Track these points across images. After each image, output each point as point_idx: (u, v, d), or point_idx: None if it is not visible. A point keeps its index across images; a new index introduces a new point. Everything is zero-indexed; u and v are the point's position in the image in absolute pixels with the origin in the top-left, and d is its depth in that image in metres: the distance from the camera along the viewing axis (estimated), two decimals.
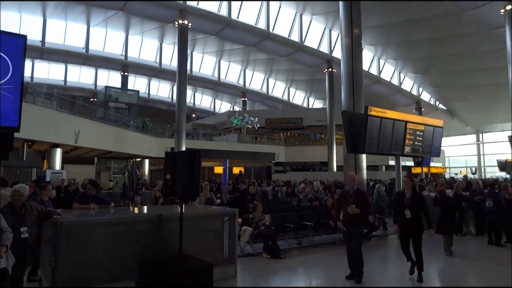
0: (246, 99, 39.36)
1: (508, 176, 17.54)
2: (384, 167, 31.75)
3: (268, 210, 9.37)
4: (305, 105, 43.10)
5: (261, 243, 7.51)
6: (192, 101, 41.99)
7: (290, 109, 38.83)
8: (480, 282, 6.07)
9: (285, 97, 41.44)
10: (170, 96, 39.01)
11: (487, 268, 6.83)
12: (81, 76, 33.51)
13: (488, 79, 27.18)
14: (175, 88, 25.15)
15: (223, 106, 46.05)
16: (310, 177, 23.16)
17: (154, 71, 32.67)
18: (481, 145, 41.57)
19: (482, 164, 40.79)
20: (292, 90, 41.36)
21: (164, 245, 5.15)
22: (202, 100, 44.35)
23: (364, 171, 12.40)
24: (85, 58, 28.47)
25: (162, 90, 39.30)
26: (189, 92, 35.30)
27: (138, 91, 27.66)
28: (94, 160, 23.16)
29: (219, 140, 31.39)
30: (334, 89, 27.24)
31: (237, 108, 41.25)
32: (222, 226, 6.00)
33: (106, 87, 26.24)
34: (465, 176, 18.12)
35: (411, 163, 21.21)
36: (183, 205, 4.95)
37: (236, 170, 26.75)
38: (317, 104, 42.76)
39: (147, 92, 37.47)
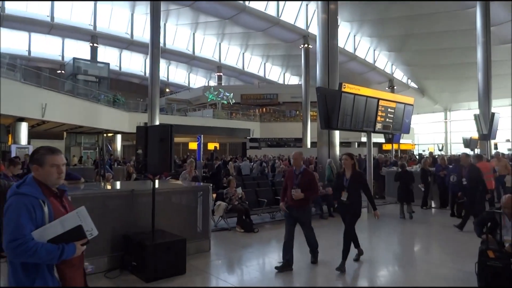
0: (221, 74, 38.76)
1: (472, 152, 18.41)
2: (356, 143, 32.51)
3: (242, 186, 9.47)
4: (280, 81, 42.97)
5: (235, 218, 7.61)
6: (166, 75, 40.92)
7: (265, 85, 38.63)
8: (429, 241, 6.45)
9: (261, 73, 41.10)
10: (143, 70, 37.81)
11: (439, 231, 7.24)
12: (46, 46, 31.73)
13: (458, 58, 27.90)
14: (147, 61, 24.34)
15: (198, 81, 45.19)
16: (285, 153, 23.42)
17: (125, 43, 31.39)
18: (448, 123, 43.16)
19: (448, 141, 42.52)
20: (268, 65, 41.02)
21: (137, 221, 5.12)
22: (176, 74, 43.30)
23: (337, 147, 12.65)
24: (51, 27, 26.91)
25: (135, 63, 37.98)
26: (162, 65, 34.29)
27: (108, 64, 26.63)
28: (63, 135, 22.39)
29: (194, 115, 30.99)
30: (309, 65, 27.23)
31: (212, 83, 40.62)
32: (196, 201, 6.01)
33: (74, 58, 25.04)
34: (430, 153, 18.86)
35: (382, 140, 21.79)
36: (156, 180, 4.90)
37: (211, 146, 26.65)
38: (293, 80, 42.70)
39: (118, 65, 36.11)
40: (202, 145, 15.00)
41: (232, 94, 33.70)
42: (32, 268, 1.88)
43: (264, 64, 40.64)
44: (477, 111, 17.01)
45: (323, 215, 8.92)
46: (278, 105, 36.17)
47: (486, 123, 15.68)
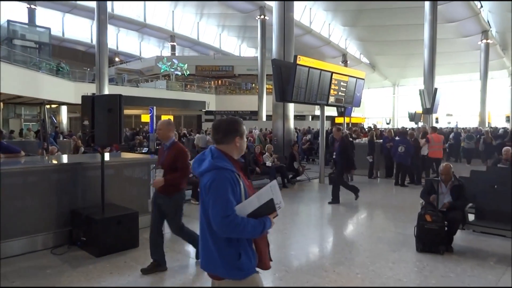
0: (175, 44, 37.26)
1: (416, 125, 19.60)
2: (310, 116, 33.26)
3: None
4: (236, 53, 42.27)
5: (189, 190, 7.55)
6: (115, 44, 38.57)
7: (221, 56, 37.82)
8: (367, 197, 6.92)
9: (216, 44, 40.09)
10: (90, 37, 35.30)
11: (383, 198, 7.77)
12: None
13: (406, 35, 28.96)
14: (94, 27, 22.69)
15: (150, 50, 43.14)
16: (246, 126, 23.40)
17: (68, 6, 28.98)
18: (396, 97, 45.35)
19: (396, 115, 44.86)
20: (224, 36, 40.03)
21: (85, 195, 4.91)
22: (126, 43, 40.95)
23: (292, 120, 12.83)
24: None
25: (80, 30, 35.29)
26: (111, 33, 32.16)
27: (49, 29, 24.44)
28: (0, 106, 20.56)
29: (146, 86, 29.75)
30: (266, 37, 26.96)
31: (165, 53, 38.98)
32: (148, 174, 5.86)
33: (8, 21, 22.66)
34: (375, 126, 19.90)
35: (334, 113, 22.44)
36: (106, 153, 4.68)
37: (164, 118, 25.92)
38: (249, 52, 42.19)
39: (61, 30, 33.34)
40: (155, 118, 14.52)
41: (186, 65, 32.65)
42: (236, 242, 1.88)
43: (220, 34, 39.60)
44: (422, 87, 17.97)
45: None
46: (234, 77, 35.73)
47: (430, 98, 16.66)
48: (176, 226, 3.97)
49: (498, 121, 32.65)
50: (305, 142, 15.38)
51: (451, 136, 16.19)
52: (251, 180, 3.44)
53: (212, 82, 34.36)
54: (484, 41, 27.53)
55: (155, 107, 14.46)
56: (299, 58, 8.80)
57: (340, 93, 10.11)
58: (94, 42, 21.35)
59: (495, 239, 4.93)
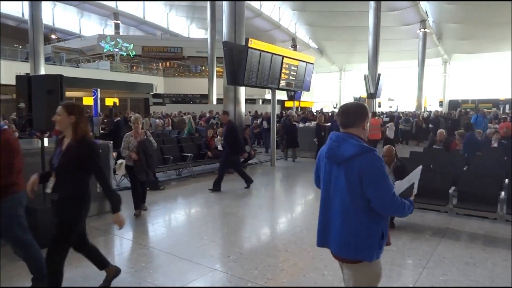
0: (119, 22, 35.16)
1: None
2: (261, 100, 33.45)
3: None
4: (185, 34, 40.94)
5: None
6: (51, 20, 35.51)
7: (169, 37, 36.40)
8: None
9: (164, 24, 38.48)
10: (21, 11, 32.12)
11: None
12: None
13: (352, 22, 29.88)
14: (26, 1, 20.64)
15: (91, 28, 40.31)
16: (191, 110, 22.94)
17: None
18: (342, 82, 47.07)
19: (342, 99, 46.64)
20: (172, 16, 38.50)
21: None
22: (64, 19, 37.85)
23: (243, 104, 12.79)
24: None
25: (9, 2, 31.91)
26: (46, 7, 29.48)
27: None
28: None
29: (88, 67, 27.91)
30: (216, 19, 26.36)
31: (108, 32, 36.69)
32: None
33: None
34: (321, 109, 20.58)
35: (284, 97, 22.80)
36: (45, 139, 4.34)
37: (109, 101, 24.61)
38: (199, 34, 41.06)
39: None
40: (99, 101, 13.72)
41: (132, 45, 31.04)
42: (382, 223, 1.99)
43: (168, 14, 38.02)
44: (367, 72, 18.77)
45: (229, 169, 9.12)
46: (183, 59, 34.68)
47: (373, 83, 17.48)
48: (14, 242, 3.00)
49: (433, 106, 35.30)
50: (256, 126, 15.48)
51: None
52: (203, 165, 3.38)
53: (160, 64, 33.07)
54: (422, 30, 29.27)
55: (99, 90, 13.64)
56: (251, 41, 8.74)
57: (290, 77, 10.24)
58: (27, 16, 19.45)
59: (430, 214, 5.38)
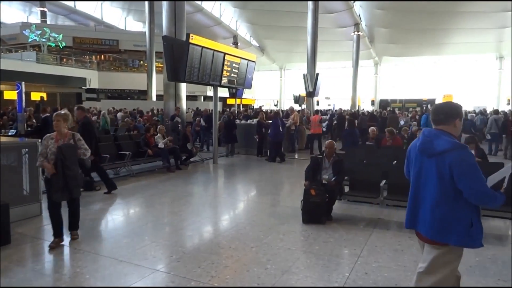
0: (45, 9, 32.39)
1: (300, 107, 21.25)
2: (202, 97, 33.05)
3: None
4: (121, 26, 38.97)
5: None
6: None
7: (104, 28, 34.39)
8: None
9: (98, 15, 36.25)
10: None
11: (272, 176, 8.36)
12: None
13: (291, 22, 30.71)
14: None
15: (12, 15, 36.61)
16: (128, 106, 21.95)
17: None
18: (283, 80, 48.22)
19: (282, 97, 47.78)
20: (106, 6, 36.38)
21: None
22: None
23: (184, 101, 12.58)
24: None
25: None
26: None
27: None
28: None
29: (10, 57, 25.33)
30: (154, 12, 25.47)
31: (33, 20, 33.62)
32: (20, 160, 5.09)
33: None
34: (260, 107, 21.00)
35: (226, 94, 22.77)
36: None
37: (35, 96, 22.66)
38: (136, 26, 39.34)
39: None
40: (23, 95, 12.53)
41: (61, 35, 28.81)
42: (469, 212, 2.19)
43: (101, 4, 35.87)
44: (306, 71, 19.44)
45: (170, 168, 8.92)
46: (119, 52, 33.01)
47: (312, 82, 18.16)
48: None
49: (366, 104, 37.66)
50: (198, 123, 15.27)
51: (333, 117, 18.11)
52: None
53: (94, 57, 31.16)
54: (356, 33, 31.04)
55: (23, 83, 12.45)
56: (192, 36, 8.59)
57: (232, 74, 10.26)
58: None
59: (364, 206, 5.76)
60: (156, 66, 26.59)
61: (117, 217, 5.53)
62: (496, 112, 13.76)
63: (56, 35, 28.40)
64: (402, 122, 15.40)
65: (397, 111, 21.85)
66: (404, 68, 40.24)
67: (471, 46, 33.14)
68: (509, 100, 31.60)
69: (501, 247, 4.33)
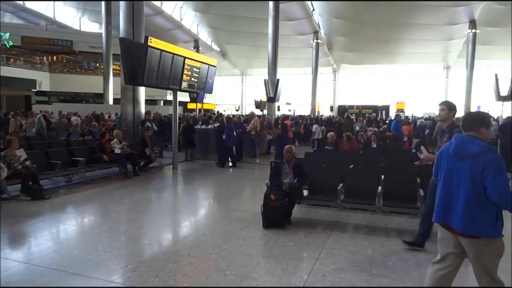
0: None
1: (261, 112, 21.43)
2: (162, 101, 32.38)
3: (28, 146, 8.03)
4: (76, 26, 37.27)
5: (19, 184, 6.42)
6: None
7: (56, 28, 32.69)
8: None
9: (50, 14, 34.42)
10: None
11: (234, 182, 8.35)
12: None
13: (253, 27, 31.00)
14: None
15: None
16: (83, 110, 21.00)
17: None
18: (244, 85, 48.43)
19: (244, 102, 47.95)
20: (59, 6, 34.64)
21: None
22: None
23: (143, 105, 12.22)
24: None
25: None
26: None
27: None
28: None
29: None
30: (111, 13, 24.64)
31: None
32: None
33: None
34: (218, 112, 20.97)
35: (187, 99, 22.46)
36: None
37: None
38: (92, 27, 37.80)
39: None
40: None
41: (8, 34, 26.97)
42: (495, 209, 2.46)
43: (54, 3, 34.12)
44: (267, 77, 19.65)
45: (127, 174, 8.62)
46: (73, 54, 31.52)
47: (273, 88, 18.39)
48: None
49: (325, 110, 38.73)
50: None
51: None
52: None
53: (45, 58, 29.49)
54: (315, 40, 31.92)
55: None
56: (151, 39, 8.39)
57: (193, 78, 10.13)
58: None
59: (323, 209, 5.89)
60: (113, 69, 25.69)
61: (68, 227, 5.23)
62: None
63: (3, 34, 26.58)
64: (357, 128, 15.98)
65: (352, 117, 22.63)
66: (360, 75, 41.93)
67: (421, 56, 35.24)
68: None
69: None
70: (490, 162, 2.44)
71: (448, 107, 3.94)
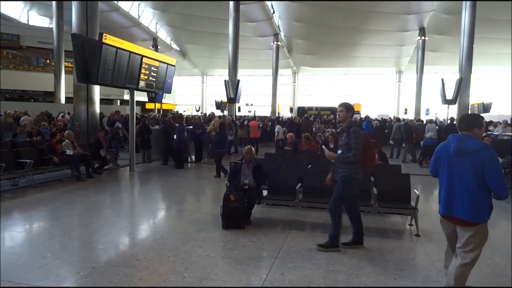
0: None
1: (222, 113, 21.37)
2: (119, 101, 31.28)
3: None
4: (24, 20, 35.01)
5: None
6: None
7: (1, 21, 30.51)
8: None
9: None
10: None
11: (194, 182, 8.26)
12: None
13: (213, 28, 30.81)
14: None
15: None
16: (32, 109, 19.73)
17: None
18: (205, 86, 47.98)
19: (204, 103, 47.50)
20: None
21: None
22: None
23: (97, 104, 11.71)
24: None
25: None
26: None
27: None
28: None
29: None
30: (63, 7, 23.43)
31: None
32: None
33: None
34: (177, 112, 20.72)
35: (145, 99, 21.87)
36: None
37: None
38: (41, 21, 35.69)
39: None
40: None
41: None
42: (489, 194, 2.85)
43: None
44: (227, 78, 19.62)
45: (80, 176, 8.23)
46: (20, 49, 29.56)
47: (233, 89, 18.40)
48: None
49: (285, 111, 39.33)
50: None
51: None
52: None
53: None
54: (276, 43, 32.34)
55: None
56: (106, 36, 8.08)
57: (151, 78, 9.89)
58: None
59: (282, 209, 5.96)
60: (66, 66, 24.45)
61: (13, 233, 4.88)
62: (398, 120, 15.45)
63: None
64: (313, 129, 16.37)
65: (311, 118, 23.19)
66: (319, 78, 43.06)
67: (376, 60, 36.88)
68: (406, 109, 35.71)
69: (399, 240, 4.83)
70: (489, 158, 2.77)
71: (346, 108, 4.26)
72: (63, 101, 23.88)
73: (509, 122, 15.41)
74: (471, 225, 2.83)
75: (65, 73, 23.95)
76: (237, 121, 19.27)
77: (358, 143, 4.12)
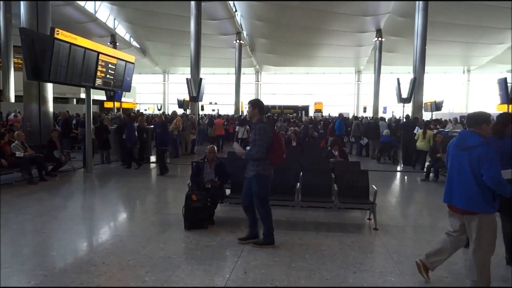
0: None
1: (185, 111, 20.99)
2: (75, 99, 29.91)
3: None
4: None
5: None
6: None
7: None
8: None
9: None
10: None
11: (155, 183, 8.07)
12: None
13: (174, 25, 30.20)
14: None
15: None
16: None
17: None
18: (166, 84, 46.97)
19: (166, 102, 46.51)
20: None
21: None
22: None
23: (50, 103, 11.10)
24: None
25: None
26: None
27: None
28: None
29: None
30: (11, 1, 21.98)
31: None
32: None
33: None
34: (138, 111, 20.09)
35: (103, 97, 21.02)
36: None
37: None
38: None
39: None
40: None
41: None
42: (491, 190, 3.00)
43: None
44: (190, 76, 19.30)
45: (32, 179, 7.77)
46: None
47: (196, 87, 18.12)
48: None
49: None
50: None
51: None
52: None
53: None
54: (238, 41, 32.28)
55: None
56: (58, 31, 7.67)
57: (108, 75, 9.52)
58: None
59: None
60: (15, 63, 23.00)
61: None
62: (356, 118, 15.95)
63: None
64: (276, 128, 16.50)
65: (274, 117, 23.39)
66: (282, 77, 43.57)
67: (336, 60, 37.88)
68: (365, 108, 37.01)
69: (359, 234, 4.98)
70: (484, 154, 2.96)
71: (252, 105, 4.36)
72: (12, 100, 22.46)
73: (458, 120, 16.42)
74: (469, 214, 3.08)
75: (14, 70, 22.53)
76: (201, 120, 19.09)
77: (262, 140, 4.14)
